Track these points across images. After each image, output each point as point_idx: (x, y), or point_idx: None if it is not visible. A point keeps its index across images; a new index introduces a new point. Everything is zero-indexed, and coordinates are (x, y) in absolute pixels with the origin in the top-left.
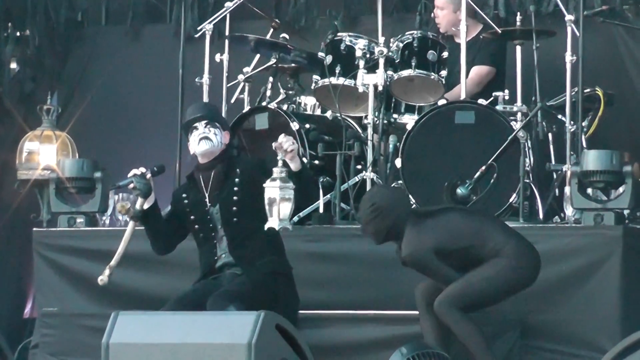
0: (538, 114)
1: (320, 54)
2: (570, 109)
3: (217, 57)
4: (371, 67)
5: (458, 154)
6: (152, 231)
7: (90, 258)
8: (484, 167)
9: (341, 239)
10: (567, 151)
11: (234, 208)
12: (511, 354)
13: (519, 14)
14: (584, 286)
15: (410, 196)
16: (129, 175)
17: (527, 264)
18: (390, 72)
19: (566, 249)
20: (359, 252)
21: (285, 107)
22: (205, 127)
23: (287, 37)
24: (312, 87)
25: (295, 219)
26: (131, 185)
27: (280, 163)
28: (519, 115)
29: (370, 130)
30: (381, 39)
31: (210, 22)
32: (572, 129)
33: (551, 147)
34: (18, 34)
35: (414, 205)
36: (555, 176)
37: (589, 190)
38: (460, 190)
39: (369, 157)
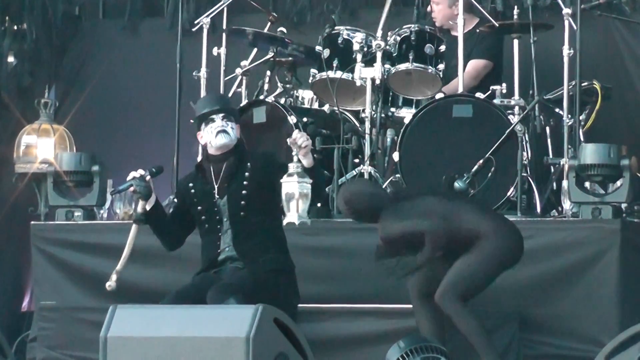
0: (535, 108)
1: (318, 48)
2: (568, 103)
3: (215, 50)
4: (369, 61)
5: (456, 147)
6: (158, 230)
7: (88, 251)
8: (481, 161)
9: (339, 232)
10: (564, 145)
11: (242, 202)
12: (509, 347)
13: (516, 7)
14: (582, 280)
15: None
16: (128, 178)
17: (510, 241)
18: (387, 66)
19: (564, 242)
20: (357, 246)
21: (282, 100)
22: (223, 119)
23: (284, 30)
24: (310, 81)
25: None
26: (131, 189)
27: (295, 159)
28: (516, 109)
29: (367, 124)
30: (379, 33)
31: (207, 16)
32: (570, 123)
33: (549, 140)
34: (15, 27)
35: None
36: (552, 170)
37: (587, 184)
38: (457, 184)
39: (367, 151)
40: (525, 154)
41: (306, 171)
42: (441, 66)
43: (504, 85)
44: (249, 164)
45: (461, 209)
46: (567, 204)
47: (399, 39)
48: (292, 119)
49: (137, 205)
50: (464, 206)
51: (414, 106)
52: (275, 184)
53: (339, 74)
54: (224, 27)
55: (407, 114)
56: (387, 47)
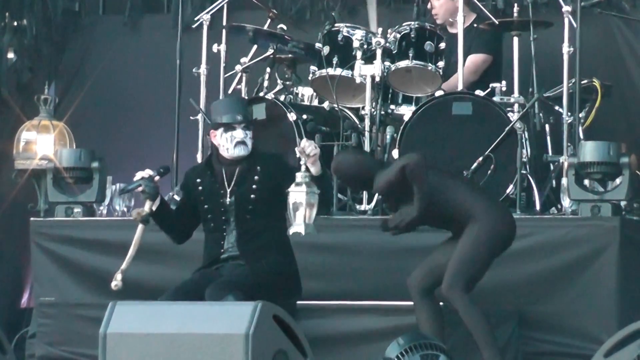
0: (535, 105)
1: (318, 45)
2: (568, 100)
3: (215, 47)
4: (368, 58)
5: (455, 145)
6: (165, 227)
7: (88, 248)
8: (481, 158)
9: (338, 229)
10: (564, 142)
11: (250, 206)
12: (508, 345)
13: (516, 5)
14: (581, 277)
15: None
16: (136, 178)
17: (501, 224)
18: (387, 63)
19: (563, 240)
20: (356, 243)
21: (282, 97)
22: (244, 129)
23: (284, 27)
24: (310, 78)
25: None
26: (140, 189)
27: (303, 167)
28: (516, 106)
29: (367, 121)
30: (378, 30)
31: (207, 13)
32: (569, 120)
33: (548, 138)
34: (15, 23)
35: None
36: (552, 167)
37: (586, 182)
38: None
39: (367, 148)
40: (524, 151)
41: (314, 179)
42: (441, 63)
43: (503, 82)
44: (258, 167)
45: (454, 185)
46: (566, 202)
47: (398, 36)
48: (291, 116)
49: (145, 205)
50: (457, 183)
51: (413, 103)
52: (283, 188)
53: (338, 71)
54: (224, 23)
55: (406, 111)
56: (387, 44)
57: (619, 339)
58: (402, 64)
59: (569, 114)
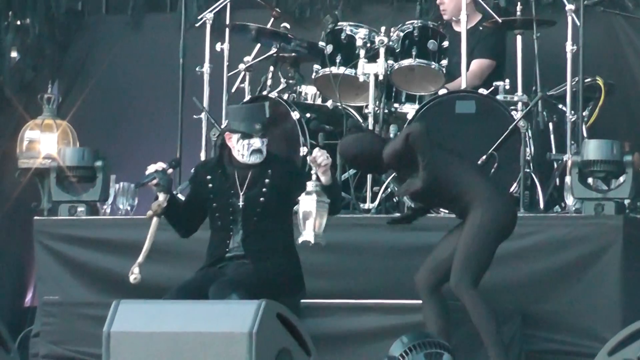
0: (538, 104)
1: (321, 44)
2: (571, 99)
3: (218, 46)
4: (372, 57)
5: (458, 143)
6: (174, 220)
7: (91, 247)
8: (484, 157)
9: (342, 228)
10: (567, 141)
11: (259, 208)
12: (512, 343)
13: (519, 3)
14: (585, 276)
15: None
16: (149, 171)
17: (502, 210)
18: (390, 62)
19: (567, 238)
20: (360, 242)
21: (285, 96)
22: (261, 138)
23: (287, 26)
24: (313, 77)
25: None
26: (154, 182)
27: (314, 177)
28: (519, 104)
29: (370, 120)
30: (381, 29)
31: (210, 11)
32: (573, 119)
33: (552, 136)
34: (18, 22)
35: None
36: (555, 166)
37: (590, 180)
38: None
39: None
40: (528, 150)
41: (324, 189)
42: (444, 62)
43: (507, 81)
44: (270, 171)
45: (460, 164)
46: (570, 200)
47: (402, 34)
48: (295, 115)
49: (159, 198)
50: (464, 163)
51: (417, 102)
52: (292, 191)
53: (342, 70)
54: (227, 22)
55: (410, 109)
56: (390, 42)
57: (622, 337)
58: (406, 62)
59: (573, 112)
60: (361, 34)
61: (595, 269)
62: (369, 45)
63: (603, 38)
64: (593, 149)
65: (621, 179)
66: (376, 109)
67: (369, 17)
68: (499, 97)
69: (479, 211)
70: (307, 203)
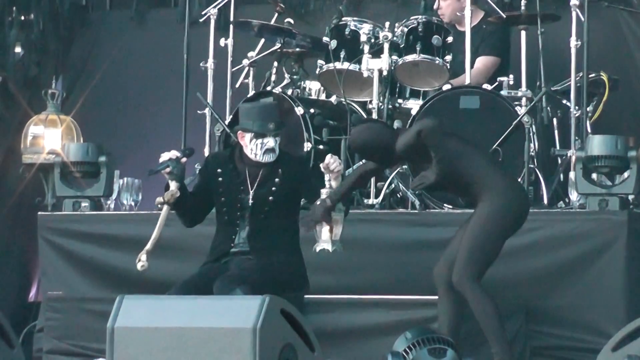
0: (543, 99)
1: (325, 39)
2: (575, 94)
3: (222, 41)
4: (376, 52)
5: None
6: (182, 209)
7: (95, 242)
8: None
9: (346, 223)
10: (571, 136)
11: (267, 207)
12: (516, 339)
13: None
14: (589, 271)
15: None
16: (163, 159)
17: (515, 200)
18: (395, 57)
19: (571, 234)
20: (364, 237)
21: (289, 91)
22: (274, 138)
23: (291, 21)
24: (317, 72)
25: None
26: (167, 170)
27: (327, 184)
28: (523, 100)
29: (375, 115)
30: (385, 24)
31: (214, 7)
32: (577, 114)
33: (556, 132)
34: (22, 18)
35: None
36: (560, 161)
37: (594, 176)
38: None
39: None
40: (532, 145)
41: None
42: (448, 57)
43: (511, 76)
44: (280, 170)
45: (474, 154)
46: (574, 196)
47: (406, 30)
48: (299, 110)
49: (171, 187)
50: (478, 153)
51: (421, 97)
52: (302, 191)
53: (346, 65)
54: (231, 18)
55: (414, 105)
56: (394, 38)
57: (627, 332)
58: (410, 57)
59: (577, 107)
60: (365, 29)
61: (599, 264)
62: (373, 40)
63: (607, 33)
64: (597, 145)
65: (625, 174)
66: (380, 104)
67: (373, 12)
68: (503, 92)
69: (488, 202)
70: None
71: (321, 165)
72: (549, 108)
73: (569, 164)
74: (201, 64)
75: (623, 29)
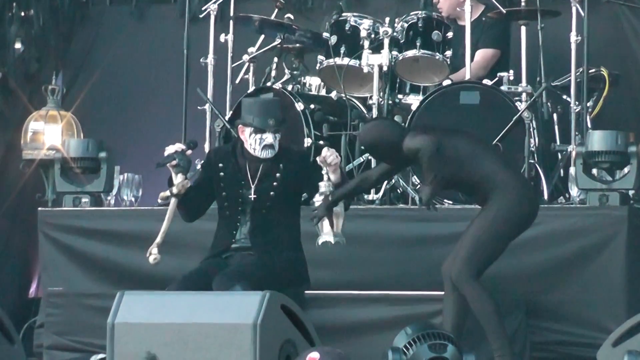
0: (543, 95)
1: (325, 34)
2: (575, 90)
3: (222, 37)
4: (376, 48)
5: None
6: (184, 204)
7: (95, 238)
8: None
9: (347, 219)
10: (572, 131)
11: (268, 202)
12: (517, 334)
13: None
14: (589, 267)
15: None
16: (168, 152)
17: (523, 201)
18: (395, 53)
19: (571, 229)
20: (364, 233)
21: (290, 87)
22: (274, 134)
23: (291, 17)
24: (317, 68)
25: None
26: (174, 163)
27: (325, 177)
28: (523, 95)
29: (375, 111)
30: (386, 20)
31: (214, 3)
32: (577, 110)
33: (556, 127)
34: (22, 14)
35: None
36: (560, 156)
37: (594, 171)
38: None
39: None
40: (532, 140)
41: (335, 187)
42: (448, 53)
43: (511, 72)
44: (281, 165)
45: (483, 154)
46: (574, 191)
47: (406, 25)
48: (299, 106)
49: (177, 179)
50: (488, 152)
51: (421, 93)
52: (303, 186)
53: (346, 61)
54: (231, 13)
55: (414, 100)
56: (395, 33)
57: (627, 327)
58: (410, 53)
59: (577, 103)
60: (365, 24)
61: (599, 259)
62: (373, 36)
63: (607, 28)
64: (597, 140)
65: (626, 169)
66: (380, 99)
67: (374, 8)
68: (503, 87)
69: (496, 202)
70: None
71: (318, 158)
72: (549, 103)
73: (569, 159)
74: (201, 60)
75: (623, 24)
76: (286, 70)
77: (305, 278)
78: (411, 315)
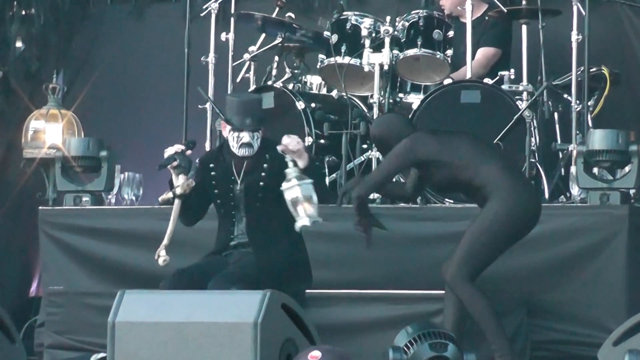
0: (544, 94)
1: (326, 33)
2: (576, 88)
3: (223, 36)
4: (377, 46)
5: None
6: (183, 207)
7: (96, 236)
8: None
9: (346, 218)
10: (573, 130)
11: (259, 194)
12: (517, 333)
13: None
14: (590, 266)
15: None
16: (168, 153)
17: (523, 206)
18: (396, 51)
19: (572, 228)
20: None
21: (291, 86)
22: (251, 132)
23: (292, 15)
24: (318, 67)
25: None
26: (175, 163)
27: (291, 164)
28: (524, 94)
29: (376, 110)
30: (386, 18)
31: (215, 1)
32: (578, 109)
33: (557, 126)
34: (23, 12)
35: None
36: (561, 155)
37: (595, 170)
38: None
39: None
40: (533, 139)
41: (304, 172)
42: (449, 52)
43: (512, 71)
44: (267, 155)
45: (485, 157)
46: (575, 190)
47: (407, 24)
48: (300, 105)
49: (179, 180)
50: (491, 155)
51: (422, 92)
52: None
53: (347, 60)
54: (232, 12)
55: (415, 99)
56: (395, 32)
57: (628, 327)
58: (411, 52)
59: (578, 102)
60: (366, 23)
61: (600, 259)
62: (374, 35)
63: (608, 27)
64: (598, 139)
65: (627, 168)
66: (381, 98)
67: (375, 6)
68: (504, 86)
69: (495, 204)
70: (291, 190)
71: (278, 147)
72: (550, 102)
73: (570, 158)
74: (202, 59)
75: (624, 23)
76: (287, 69)
77: (307, 274)
78: (412, 315)
